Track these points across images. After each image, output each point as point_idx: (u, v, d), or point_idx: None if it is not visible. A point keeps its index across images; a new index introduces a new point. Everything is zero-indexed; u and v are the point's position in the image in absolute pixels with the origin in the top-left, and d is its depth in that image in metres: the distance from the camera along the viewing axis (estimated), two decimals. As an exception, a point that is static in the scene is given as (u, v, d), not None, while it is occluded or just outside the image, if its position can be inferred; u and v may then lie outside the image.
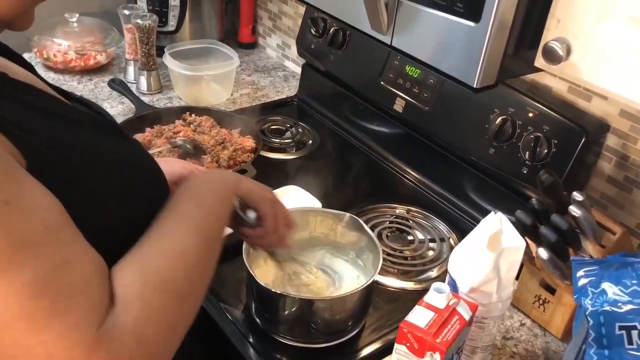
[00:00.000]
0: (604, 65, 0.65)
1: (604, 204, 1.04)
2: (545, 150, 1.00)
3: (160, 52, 1.48)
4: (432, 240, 1.10)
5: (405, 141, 1.29)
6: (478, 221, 1.08)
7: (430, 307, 0.68)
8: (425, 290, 0.96)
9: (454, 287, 0.79)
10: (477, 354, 0.79)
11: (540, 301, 0.92)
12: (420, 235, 1.11)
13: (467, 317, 0.69)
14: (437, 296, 0.69)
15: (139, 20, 1.41)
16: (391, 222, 1.14)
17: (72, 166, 0.55)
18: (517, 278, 0.92)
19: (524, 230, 0.79)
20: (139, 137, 1.22)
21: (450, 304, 0.69)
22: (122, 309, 0.50)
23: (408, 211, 1.17)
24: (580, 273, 0.70)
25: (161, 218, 0.62)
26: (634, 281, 0.68)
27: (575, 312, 0.80)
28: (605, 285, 0.69)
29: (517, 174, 1.05)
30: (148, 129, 1.25)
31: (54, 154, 0.54)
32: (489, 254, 0.71)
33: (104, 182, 0.59)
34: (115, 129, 0.69)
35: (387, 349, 0.86)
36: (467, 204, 1.17)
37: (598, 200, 1.05)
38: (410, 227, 1.12)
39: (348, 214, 0.96)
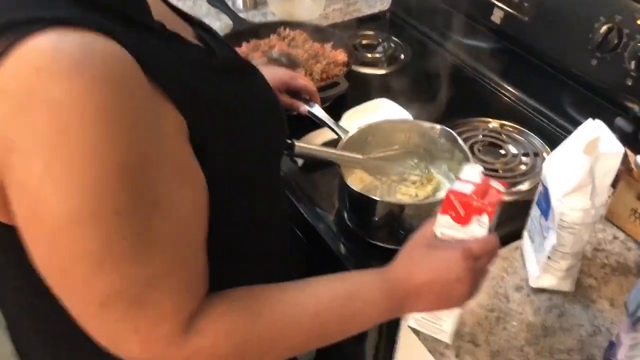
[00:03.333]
0: None
1: None
2: (654, 60, 0.95)
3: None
4: (526, 155, 1.09)
5: (502, 54, 1.25)
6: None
7: (467, 181, 0.66)
8: (516, 202, 0.97)
9: (545, 196, 0.79)
10: (567, 260, 0.80)
11: (637, 215, 0.91)
12: (513, 150, 1.10)
13: (502, 190, 0.67)
14: (472, 171, 0.67)
15: None
16: (484, 135, 1.13)
17: (222, 118, 0.58)
18: (613, 189, 0.91)
19: (624, 138, 0.77)
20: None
21: (484, 178, 0.67)
22: (197, 334, 0.53)
23: (502, 126, 1.16)
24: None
25: (312, 289, 0.62)
26: None
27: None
28: None
29: (620, 85, 1.00)
30: (245, 44, 1.29)
31: (209, 109, 0.56)
32: (584, 158, 0.70)
33: (245, 131, 0.61)
34: (247, 68, 0.70)
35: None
36: (564, 119, 1.14)
37: None
38: (503, 142, 1.12)
39: (440, 126, 0.97)
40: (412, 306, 0.65)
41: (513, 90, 1.23)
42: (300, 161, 1.00)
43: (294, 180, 1.02)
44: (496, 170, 1.05)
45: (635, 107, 0.77)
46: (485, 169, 1.05)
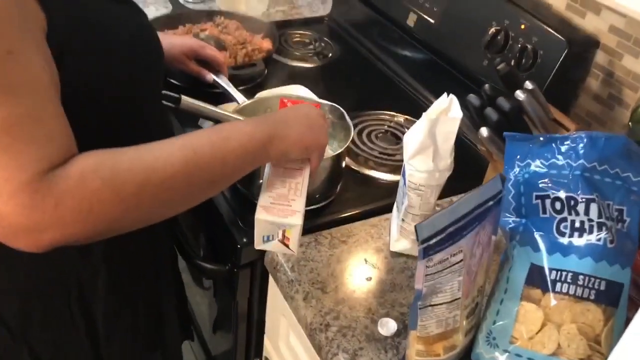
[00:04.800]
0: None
1: (588, 122, 1.07)
2: (531, 61, 1.03)
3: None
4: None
5: (417, 58, 1.35)
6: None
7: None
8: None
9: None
10: (417, 222, 0.86)
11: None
12: (410, 139, 1.17)
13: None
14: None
15: None
16: (389, 127, 1.21)
17: (90, 32, 0.63)
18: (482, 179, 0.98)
19: (474, 112, 0.84)
20: (170, 32, 1.35)
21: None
22: (64, 175, 0.55)
23: (406, 119, 1.24)
24: (511, 147, 0.76)
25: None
26: (556, 155, 0.73)
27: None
28: (530, 159, 0.75)
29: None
30: (180, 27, 1.37)
31: (73, 19, 0.61)
32: (424, 120, 0.78)
33: (113, 46, 0.66)
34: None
35: (348, 220, 0.96)
36: (462, 117, 1.22)
37: (584, 118, 1.08)
38: (403, 133, 1.19)
39: (329, 103, 1.03)
40: (282, 130, 0.72)
41: (419, 88, 1.32)
42: (210, 123, 1.05)
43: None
44: (389, 155, 1.12)
45: (486, 85, 0.85)
46: (378, 152, 1.12)
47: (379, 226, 0.96)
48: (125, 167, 0.58)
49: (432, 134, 0.79)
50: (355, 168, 1.09)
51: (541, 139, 0.75)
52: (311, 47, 1.48)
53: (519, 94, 0.80)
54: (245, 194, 0.98)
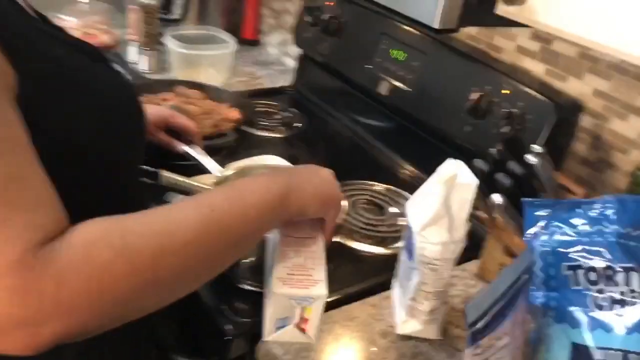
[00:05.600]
0: (562, 6, 0.67)
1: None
2: (518, 126, 1.01)
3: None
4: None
5: (390, 126, 1.31)
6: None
7: None
8: (393, 256, 0.97)
9: (410, 237, 0.79)
10: (430, 301, 0.78)
11: (500, 266, 0.92)
12: (394, 210, 1.11)
13: None
14: None
15: (143, 0, 1.47)
16: (370, 196, 1.15)
17: (67, 87, 0.55)
18: (481, 249, 0.93)
19: (481, 178, 0.79)
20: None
21: None
22: (64, 247, 0.45)
23: (387, 189, 1.18)
24: (531, 213, 0.70)
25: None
26: (583, 221, 0.68)
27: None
28: (555, 226, 0.69)
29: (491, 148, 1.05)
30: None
31: (53, 77, 0.54)
32: (438, 188, 0.72)
33: (90, 106, 0.57)
34: (102, 57, 0.69)
35: (344, 300, 0.86)
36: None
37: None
38: (386, 202, 1.13)
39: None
40: (298, 184, 0.65)
41: (397, 158, 1.28)
42: (181, 197, 0.96)
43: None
44: (374, 226, 1.05)
45: (493, 150, 0.80)
46: (363, 223, 1.05)
47: (379, 306, 0.87)
48: (137, 233, 0.49)
49: (447, 202, 0.72)
50: (340, 240, 1.01)
51: (564, 204, 0.71)
52: (278, 117, 1.42)
53: (531, 158, 0.76)
54: (228, 276, 0.87)
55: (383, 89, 1.27)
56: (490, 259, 0.94)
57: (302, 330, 0.63)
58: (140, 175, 0.72)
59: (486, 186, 0.78)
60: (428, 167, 1.21)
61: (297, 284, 0.62)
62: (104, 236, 0.47)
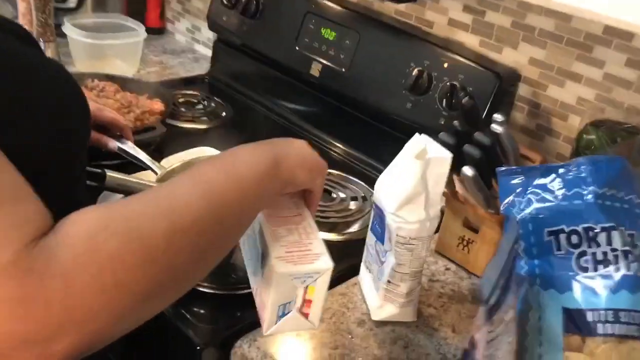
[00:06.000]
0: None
1: (519, 154, 1.06)
2: (463, 98, 1.00)
3: (59, 30, 1.37)
4: (354, 199, 1.07)
5: (322, 109, 1.27)
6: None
7: None
8: (349, 241, 0.93)
9: (380, 218, 0.76)
10: (406, 282, 0.75)
11: (464, 242, 0.91)
12: (342, 194, 1.07)
13: None
14: None
15: (34, -14, 1.31)
16: (311, 184, 1.10)
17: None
18: (439, 225, 0.91)
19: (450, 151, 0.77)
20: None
21: None
22: (62, 241, 0.38)
23: (330, 174, 1.14)
24: (506, 182, 0.69)
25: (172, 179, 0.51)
26: (559, 185, 0.68)
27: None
28: (531, 192, 0.68)
29: (434, 125, 1.04)
30: (44, 94, 1.14)
31: None
32: (415, 163, 0.68)
33: (31, 103, 0.48)
34: (33, 40, 0.59)
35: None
36: (384, 164, 1.15)
37: (512, 152, 1.07)
38: (333, 188, 1.09)
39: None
40: (283, 149, 0.59)
41: (335, 142, 1.24)
42: (119, 197, 0.85)
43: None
44: (322, 212, 1.01)
45: (455, 122, 0.78)
46: (320, 211, 1.00)
47: (350, 294, 0.83)
48: (143, 215, 0.43)
49: (424, 177, 0.69)
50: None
51: (538, 170, 0.70)
52: (200, 107, 1.33)
53: (497, 127, 0.74)
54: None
55: (313, 70, 1.22)
56: (448, 233, 0.93)
57: (305, 316, 0.57)
58: (85, 178, 0.62)
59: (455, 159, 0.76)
60: (369, 149, 1.20)
61: (300, 260, 0.56)
62: (105, 224, 0.40)
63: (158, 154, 1.04)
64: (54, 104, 0.51)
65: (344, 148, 1.22)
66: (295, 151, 0.62)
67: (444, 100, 1.02)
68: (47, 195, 0.49)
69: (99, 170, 0.67)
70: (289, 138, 0.67)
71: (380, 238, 0.77)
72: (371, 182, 1.11)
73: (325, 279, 0.57)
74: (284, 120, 1.31)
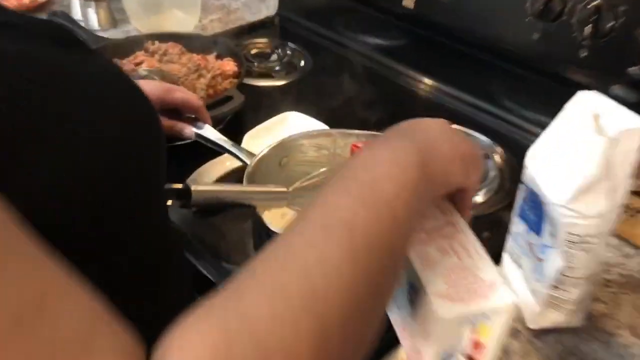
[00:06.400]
0: None
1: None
2: (612, 22, 0.78)
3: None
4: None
5: (419, 45, 1.06)
6: (526, 130, 0.88)
7: None
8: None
9: (534, 203, 0.58)
10: (578, 288, 0.58)
11: (632, 211, 0.72)
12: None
13: None
14: None
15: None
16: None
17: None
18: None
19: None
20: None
21: None
22: None
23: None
24: None
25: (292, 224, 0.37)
26: None
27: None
28: None
29: (573, 59, 0.83)
30: (103, 65, 1.00)
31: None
32: (597, 140, 0.50)
33: (81, 116, 0.35)
34: (75, 39, 0.45)
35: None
36: (506, 110, 0.95)
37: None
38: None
39: (367, 132, 0.75)
40: (430, 151, 0.42)
41: (439, 85, 1.04)
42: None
43: (189, 232, 0.74)
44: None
45: (635, 68, 0.58)
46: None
47: (493, 293, 0.67)
48: (276, 319, 0.29)
49: (607, 160, 0.51)
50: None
51: None
52: (274, 57, 1.15)
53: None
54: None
55: (408, 2, 1.01)
56: None
57: None
58: (166, 200, 0.48)
59: None
60: (486, 94, 1.00)
61: (469, 295, 0.40)
62: (227, 345, 0.27)
63: (236, 127, 0.89)
64: (118, 136, 0.36)
65: (451, 91, 1.02)
66: (441, 139, 0.45)
67: (585, 28, 0.80)
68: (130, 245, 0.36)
69: (183, 186, 0.53)
70: (416, 120, 0.49)
71: (535, 228, 0.60)
72: (493, 133, 0.93)
73: (506, 318, 0.42)
74: (374, 64, 1.12)
